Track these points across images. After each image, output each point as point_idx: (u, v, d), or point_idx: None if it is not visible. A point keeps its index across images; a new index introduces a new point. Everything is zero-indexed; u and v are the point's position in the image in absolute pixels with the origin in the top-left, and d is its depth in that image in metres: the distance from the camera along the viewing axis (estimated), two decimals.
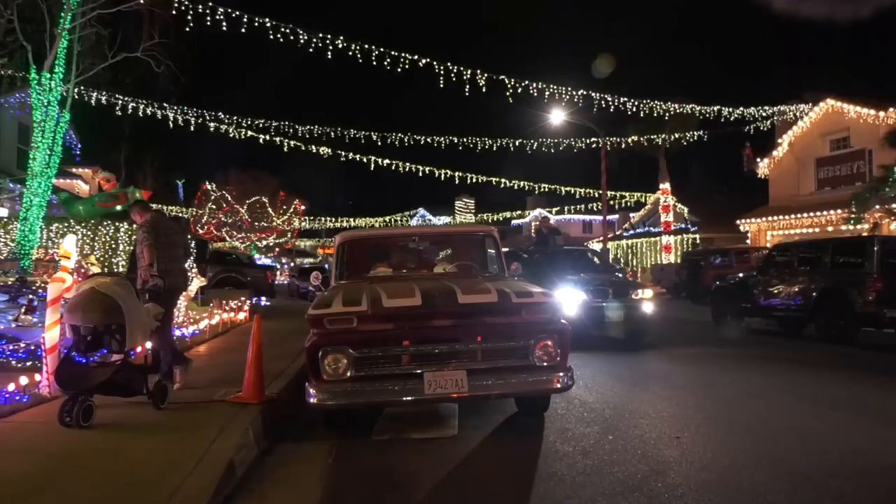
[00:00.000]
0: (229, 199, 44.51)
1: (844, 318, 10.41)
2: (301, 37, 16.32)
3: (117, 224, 12.74)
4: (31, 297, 8.58)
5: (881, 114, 21.20)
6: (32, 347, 6.92)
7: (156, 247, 6.25)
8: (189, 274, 15.79)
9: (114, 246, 12.41)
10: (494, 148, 27.01)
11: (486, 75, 19.05)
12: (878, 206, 18.13)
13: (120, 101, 18.53)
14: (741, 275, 13.76)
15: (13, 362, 6.70)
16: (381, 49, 17.49)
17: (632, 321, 10.18)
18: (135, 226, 7.36)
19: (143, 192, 13.66)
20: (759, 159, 26.81)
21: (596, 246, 30.16)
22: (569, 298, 9.79)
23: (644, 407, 5.96)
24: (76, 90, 14.30)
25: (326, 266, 27.40)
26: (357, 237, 7.45)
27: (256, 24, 15.55)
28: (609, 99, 22.09)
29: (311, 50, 16.53)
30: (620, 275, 12.22)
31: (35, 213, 12.07)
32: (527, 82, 20.08)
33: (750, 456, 4.38)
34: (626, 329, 10.28)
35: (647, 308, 10.36)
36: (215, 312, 11.30)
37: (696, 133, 27.66)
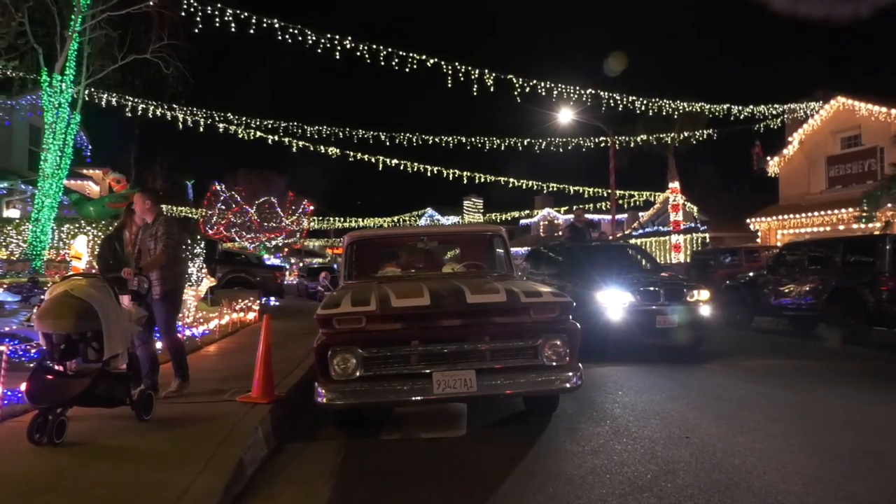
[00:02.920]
0: (238, 199, 44.72)
1: (856, 317, 10.32)
2: (309, 37, 16.38)
3: None
4: (42, 297, 8.64)
5: (893, 111, 21.02)
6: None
7: (176, 247, 5.86)
8: (199, 274, 15.88)
9: None
10: (503, 147, 27.04)
11: (493, 75, 19.07)
12: (889, 205, 18.01)
13: (130, 103, 18.65)
14: (751, 274, 13.67)
15: (25, 362, 6.75)
16: (389, 49, 17.54)
17: (688, 327, 8.94)
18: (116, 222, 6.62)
19: None
20: (769, 158, 26.65)
21: None
22: (613, 301, 8.81)
23: (653, 407, 5.93)
24: (86, 92, 14.40)
25: (335, 266, 27.46)
26: (366, 237, 7.46)
27: (265, 24, 15.62)
28: (618, 97, 22.03)
29: (319, 50, 16.59)
30: (669, 273, 10.97)
31: (46, 214, 12.18)
32: (535, 81, 20.07)
33: (760, 456, 4.35)
34: (682, 336, 9.08)
35: (705, 311, 9.09)
36: (225, 312, 11.35)
37: (705, 131, 27.54)
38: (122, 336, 4.69)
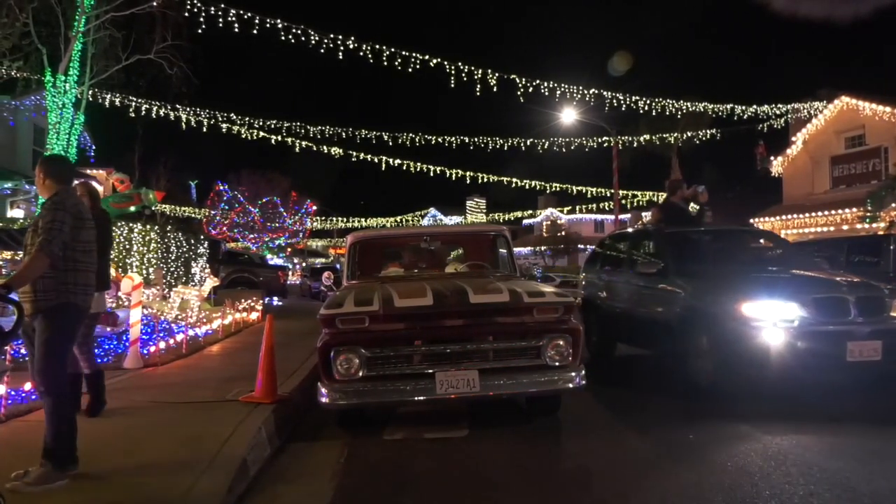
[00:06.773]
0: (242, 199, 44.79)
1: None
2: (312, 37, 16.37)
3: (131, 224, 12.87)
4: None
5: None
6: None
7: (64, 245, 3.72)
8: (202, 274, 15.91)
9: (128, 247, 12.52)
10: (506, 147, 26.99)
11: (497, 75, 19.03)
12: (893, 205, 17.95)
13: (133, 103, 18.68)
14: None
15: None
16: (392, 49, 17.52)
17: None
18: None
19: (156, 193, 13.79)
20: (772, 157, 26.58)
21: None
22: (772, 317, 5.63)
23: (657, 407, 5.92)
24: (90, 92, 14.44)
25: (338, 266, 27.49)
26: (369, 237, 7.47)
27: (268, 25, 15.63)
28: (621, 97, 22.00)
29: (322, 51, 16.58)
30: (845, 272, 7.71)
31: None
32: (538, 81, 20.02)
33: (764, 457, 4.34)
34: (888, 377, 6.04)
35: None
36: (228, 312, 11.37)
37: (708, 131, 27.52)
38: None
